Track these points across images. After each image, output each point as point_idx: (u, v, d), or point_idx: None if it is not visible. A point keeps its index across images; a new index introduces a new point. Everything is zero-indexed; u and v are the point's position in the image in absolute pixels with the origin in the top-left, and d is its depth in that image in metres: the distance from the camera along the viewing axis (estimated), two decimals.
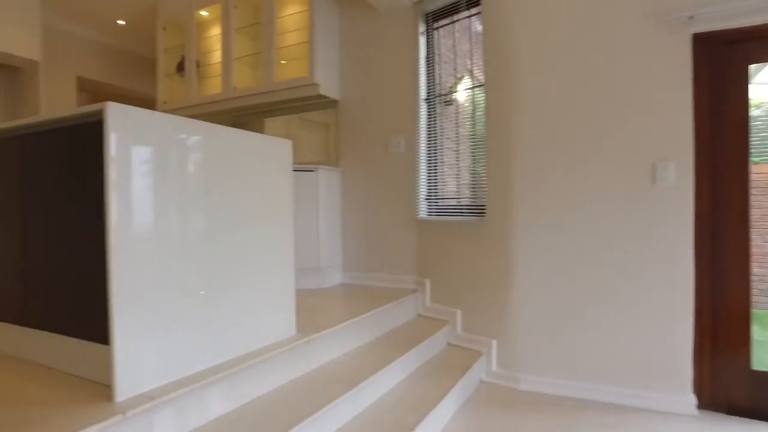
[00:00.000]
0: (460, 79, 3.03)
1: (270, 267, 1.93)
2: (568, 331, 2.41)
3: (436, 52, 3.09)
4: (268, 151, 1.95)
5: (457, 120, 3.01)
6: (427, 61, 3.12)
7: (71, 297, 1.54)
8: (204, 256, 1.63)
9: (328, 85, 3.33)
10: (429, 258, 3.04)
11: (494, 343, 2.60)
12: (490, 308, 2.65)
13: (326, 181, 3.24)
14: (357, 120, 3.38)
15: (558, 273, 2.43)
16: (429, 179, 3.12)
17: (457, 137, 3.00)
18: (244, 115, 3.86)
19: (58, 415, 1.29)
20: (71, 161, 1.52)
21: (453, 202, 3.03)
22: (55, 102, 4.46)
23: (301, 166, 2.94)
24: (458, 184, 3.00)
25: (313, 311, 2.47)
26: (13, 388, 1.50)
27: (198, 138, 1.64)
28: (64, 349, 1.61)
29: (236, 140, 1.80)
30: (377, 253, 3.28)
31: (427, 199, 3.12)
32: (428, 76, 3.12)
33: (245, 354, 1.76)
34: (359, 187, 3.36)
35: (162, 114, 1.54)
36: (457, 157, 2.99)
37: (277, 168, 1.98)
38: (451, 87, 3.06)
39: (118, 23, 4.65)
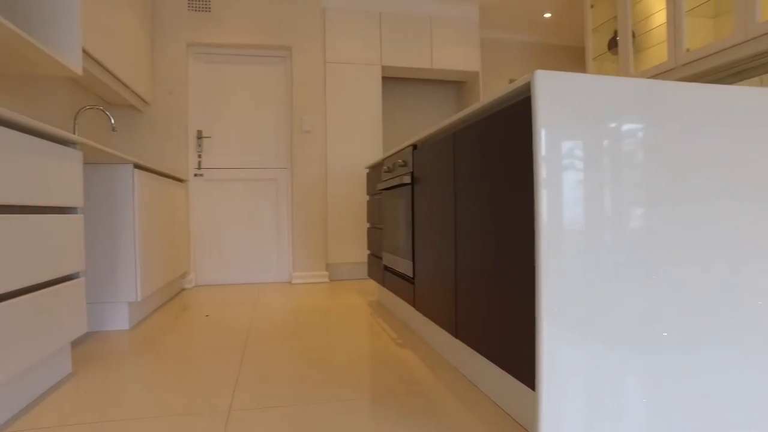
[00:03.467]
0: None
1: None
2: None
3: None
4: None
5: None
6: None
7: (491, 315, 1.32)
8: (683, 281, 1.11)
9: None
10: None
11: None
12: None
13: None
14: None
15: None
16: None
17: None
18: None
19: None
20: (497, 151, 1.30)
21: None
22: None
23: None
24: None
25: None
26: (436, 397, 1.40)
27: (680, 101, 1.13)
28: (486, 372, 1.43)
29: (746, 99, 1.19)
30: None
31: None
32: None
33: None
34: None
35: (616, 78, 1.12)
36: None
37: None
38: None
39: (544, 17, 4.57)
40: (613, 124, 1.10)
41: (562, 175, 1.07)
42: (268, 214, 4.01)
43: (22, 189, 1.37)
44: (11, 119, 1.30)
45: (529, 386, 1.11)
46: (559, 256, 1.06)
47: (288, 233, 4.04)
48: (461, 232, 1.53)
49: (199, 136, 3.89)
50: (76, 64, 2.08)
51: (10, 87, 2.29)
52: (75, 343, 2.16)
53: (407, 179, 2.07)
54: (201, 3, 3.81)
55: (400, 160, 2.20)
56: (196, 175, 3.89)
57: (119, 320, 2.42)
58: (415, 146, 2.07)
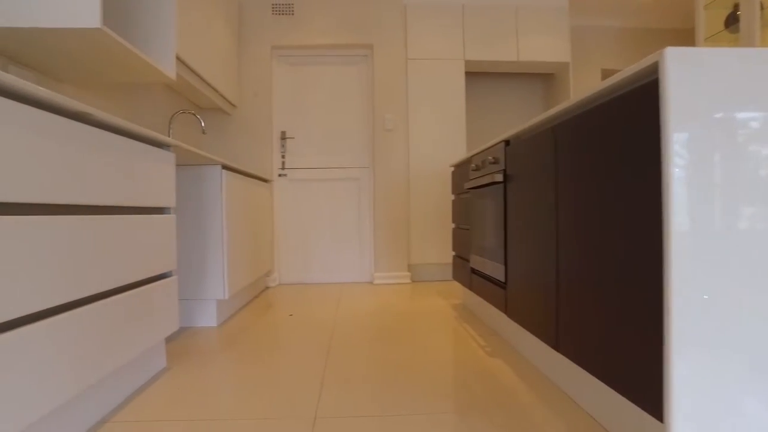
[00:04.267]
0: None
1: None
2: None
3: None
4: None
5: None
6: None
7: (602, 329, 1.16)
8: None
9: None
10: None
11: None
12: None
13: None
14: None
15: None
16: None
17: None
18: None
19: None
20: (612, 144, 1.14)
21: None
22: None
23: None
24: None
25: None
26: (531, 412, 1.26)
27: None
28: (589, 387, 1.26)
29: None
30: None
31: None
32: None
33: None
34: None
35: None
36: None
37: None
38: None
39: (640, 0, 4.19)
40: (761, 110, 0.91)
41: (697, 169, 0.90)
42: (350, 214, 4.00)
43: (121, 190, 1.40)
44: (110, 122, 1.33)
45: (655, 417, 0.95)
46: (695, 263, 0.89)
47: (370, 233, 4.01)
48: (564, 234, 1.38)
49: (283, 137, 3.96)
50: (170, 70, 2.15)
51: (113, 94, 2.42)
52: (168, 339, 2.23)
53: (499, 177, 1.93)
54: (284, 7, 3.87)
55: (490, 157, 2.06)
56: (280, 175, 3.96)
57: (208, 317, 2.48)
58: (507, 142, 1.93)
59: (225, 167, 2.52)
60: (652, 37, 4.63)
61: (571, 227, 1.33)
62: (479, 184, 2.18)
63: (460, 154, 3.96)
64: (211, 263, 2.44)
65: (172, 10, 2.15)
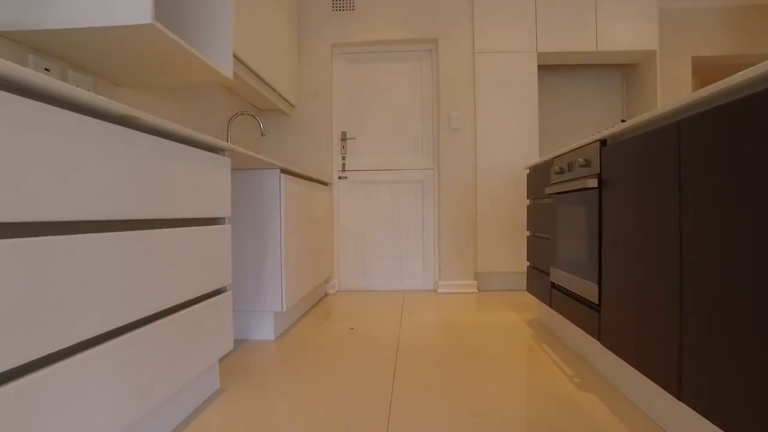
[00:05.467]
0: None
1: None
2: None
3: None
4: None
5: None
6: None
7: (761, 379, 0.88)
8: None
9: None
10: None
11: None
12: None
13: None
14: None
15: None
16: None
17: None
18: None
19: None
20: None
21: None
22: (669, 93, 4.01)
23: None
24: None
25: None
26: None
27: None
28: None
29: None
30: None
31: None
32: None
33: None
34: None
35: None
36: None
37: None
38: None
39: None
40: None
41: None
42: (412, 218, 3.79)
43: (172, 201, 1.26)
44: (158, 126, 1.19)
45: None
46: None
47: (434, 238, 3.78)
48: (692, 251, 1.10)
49: (344, 137, 3.81)
50: (228, 70, 2.03)
51: (172, 96, 2.34)
52: (222, 356, 2.11)
53: (592, 182, 1.66)
54: (345, 2, 3.72)
55: (580, 160, 1.79)
56: (340, 177, 3.82)
57: (265, 330, 2.35)
58: (603, 142, 1.65)
59: (284, 171, 2.38)
60: (760, 14, 4.09)
61: (706, 243, 1.05)
62: (565, 189, 1.91)
63: (533, 154, 3.65)
64: (269, 274, 2.30)
65: (229, 7, 2.03)
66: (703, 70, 4.54)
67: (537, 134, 3.65)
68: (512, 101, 3.65)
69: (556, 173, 2.11)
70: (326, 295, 3.63)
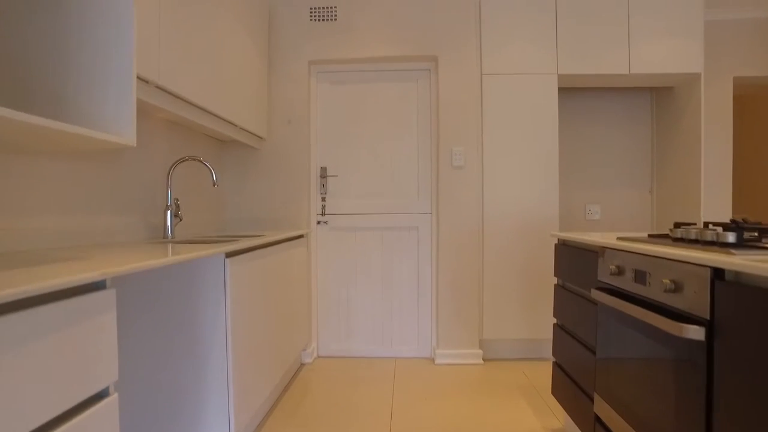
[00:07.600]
0: None
1: None
2: None
3: None
4: None
5: None
6: None
7: None
8: None
9: None
10: None
11: None
12: None
13: None
14: None
15: None
16: None
17: None
18: None
19: None
20: None
21: None
22: (709, 121, 3.41)
23: None
24: None
25: None
26: None
27: None
28: None
29: None
30: None
31: None
32: None
33: None
34: None
35: None
36: None
37: None
38: None
39: None
40: None
41: None
42: (406, 272, 3.17)
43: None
44: None
45: None
46: None
47: (431, 297, 3.16)
48: None
49: (323, 174, 3.17)
50: (128, 135, 1.38)
51: (84, 154, 1.68)
52: None
53: (696, 333, 1.04)
54: (325, 10, 3.07)
55: (666, 281, 1.16)
56: (319, 222, 3.18)
57: None
58: (720, 273, 1.03)
59: (231, 254, 1.74)
60: None
61: None
62: (629, 312, 1.30)
63: (551, 200, 3.03)
64: (212, 393, 1.67)
65: (129, 28, 1.39)
66: (746, 93, 3.94)
67: (557, 173, 3.03)
68: (527, 133, 3.03)
69: (612, 274, 1.49)
70: (303, 365, 3.01)
